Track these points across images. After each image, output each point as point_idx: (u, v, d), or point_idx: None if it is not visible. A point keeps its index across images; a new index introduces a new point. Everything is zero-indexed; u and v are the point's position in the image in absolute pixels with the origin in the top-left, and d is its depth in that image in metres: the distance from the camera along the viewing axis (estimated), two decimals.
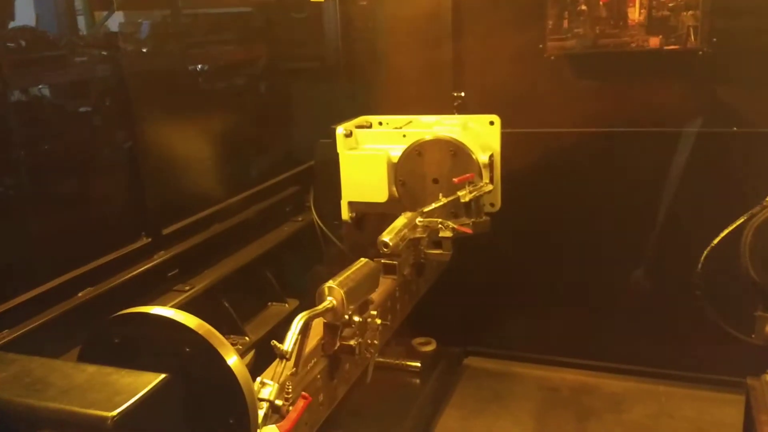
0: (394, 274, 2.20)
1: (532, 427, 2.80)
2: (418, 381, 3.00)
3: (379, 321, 1.86)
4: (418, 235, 2.18)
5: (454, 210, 2.27)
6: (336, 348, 1.69)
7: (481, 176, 2.32)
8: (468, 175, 2.27)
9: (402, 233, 2.09)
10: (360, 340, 1.73)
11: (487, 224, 2.29)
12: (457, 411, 2.93)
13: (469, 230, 2.19)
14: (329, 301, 1.57)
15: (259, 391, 1.30)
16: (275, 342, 1.41)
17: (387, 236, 2.03)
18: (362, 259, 1.82)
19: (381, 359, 3.05)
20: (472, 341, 3.25)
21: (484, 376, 3.15)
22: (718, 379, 2.83)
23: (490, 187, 2.32)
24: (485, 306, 3.13)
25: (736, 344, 2.59)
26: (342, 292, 1.59)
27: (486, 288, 3.08)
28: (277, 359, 1.40)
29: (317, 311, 1.53)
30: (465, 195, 2.24)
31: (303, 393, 1.47)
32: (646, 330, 2.91)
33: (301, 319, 1.46)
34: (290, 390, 1.39)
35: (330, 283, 1.61)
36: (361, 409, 2.77)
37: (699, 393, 2.89)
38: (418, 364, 3.03)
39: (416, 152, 2.35)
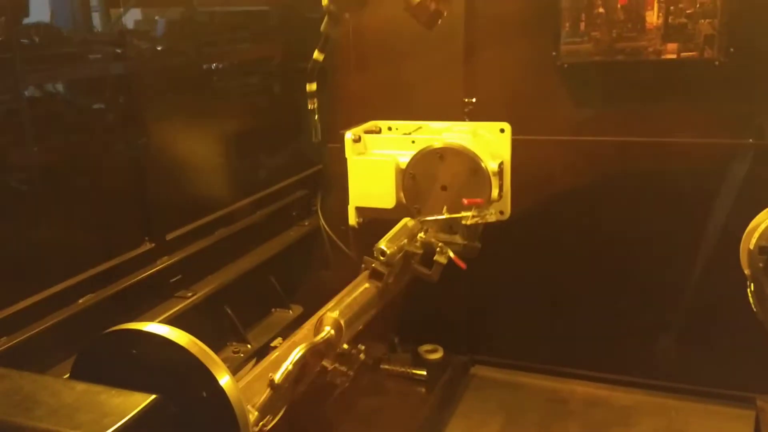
0: (379, 282, 2.11)
1: None
2: (423, 390, 2.97)
3: (363, 356, 1.75)
4: (414, 250, 2.11)
5: (453, 226, 2.22)
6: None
7: (490, 187, 2.29)
8: (479, 200, 2.21)
9: (401, 243, 2.05)
10: (336, 366, 1.66)
11: (476, 251, 2.23)
12: (462, 421, 2.90)
13: (463, 265, 2.12)
14: (327, 332, 1.54)
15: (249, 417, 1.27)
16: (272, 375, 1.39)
17: (384, 244, 1.98)
18: (365, 275, 1.77)
19: (387, 366, 3.03)
20: (480, 350, 3.21)
21: (491, 385, 3.11)
22: (729, 394, 2.78)
23: (494, 218, 2.27)
24: (493, 315, 3.09)
25: (747, 359, 2.55)
26: (342, 323, 1.56)
27: (494, 296, 3.04)
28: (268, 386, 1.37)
29: (316, 343, 1.50)
30: (468, 218, 2.18)
31: None
32: (658, 343, 2.86)
33: (299, 351, 1.43)
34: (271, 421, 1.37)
35: (330, 313, 1.58)
36: (367, 417, 2.75)
37: (709, 408, 2.84)
38: (424, 373, 3.00)
39: (437, 155, 2.32)
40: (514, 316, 3.05)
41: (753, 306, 1.92)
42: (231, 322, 2.28)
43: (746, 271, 2.05)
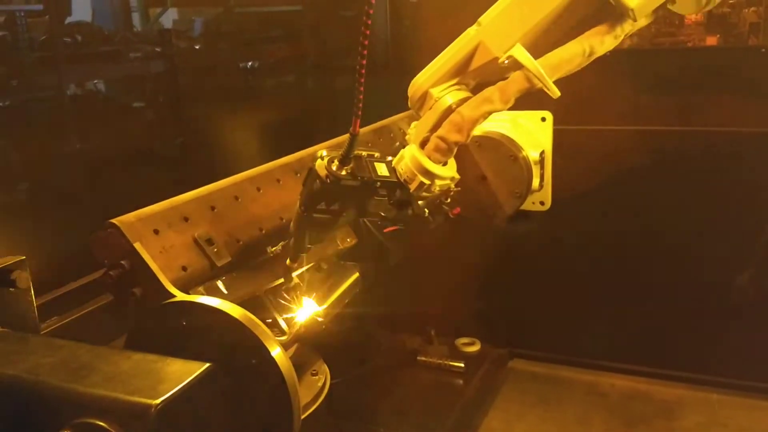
0: None
1: None
2: (461, 382, 2.96)
3: None
4: None
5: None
6: None
7: (531, 176, 2.27)
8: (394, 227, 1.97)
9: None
10: None
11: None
12: (500, 414, 2.88)
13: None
14: None
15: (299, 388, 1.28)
16: None
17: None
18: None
19: (424, 359, 3.03)
20: (518, 343, 3.19)
21: (529, 379, 3.09)
22: None
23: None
24: (532, 307, 3.07)
25: None
26: None
27: (533, 289, 3.02)
28: None
29: None
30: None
31: None
32: (701, 336, 2.81)
33: None
34: None
35: None
36: (404, 408, 2.75)
37: (754, 402, 2.78)
38: (462, 365, 2.99)
39: (476, 144, 2.30)
40: (553, 309, 3.02)
41: None
42: (269, 309, 2.29)
43: None
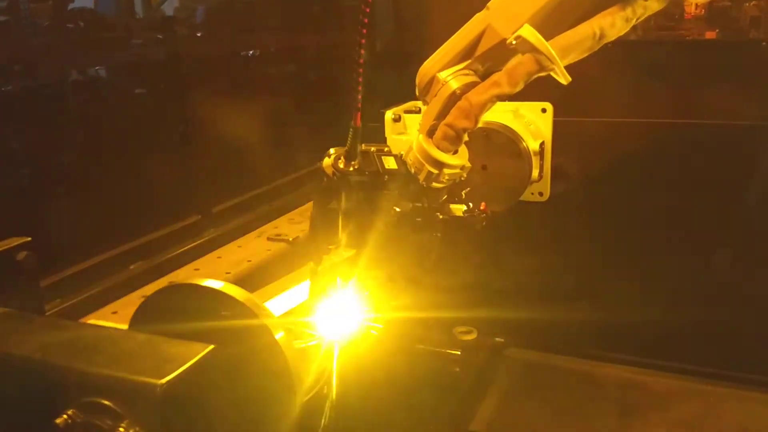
0: None
1: (573, 421, 2.76)
2: (457, 369, 2.98)
3: None
4: None
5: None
6: None
7: (531, 166, 2.28)
8: (486, 210, 2.07)
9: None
10: None
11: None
12: (496, 401, 2.90)
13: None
14: None
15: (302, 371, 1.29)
16: None
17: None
18: None
19: (421, 346, 3.05)
20: (515, 332, 3.21)
21: (525, 367, 3.11)
22: None
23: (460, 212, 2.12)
24: (529, 296, 3.09)
25: None
26: None
27: (530, 278, 3.04)
28: None
29: None
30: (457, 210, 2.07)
31: None
32: (697, 327, 2.83)
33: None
34: None
35: None
36: (399, 395, 2.77)
37: (750, 394, 2.80)
38: (458, 352, 3.01)
39: (484, 133, 2.30)
40: (550, 299, 3.04)
41: None
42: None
43: None
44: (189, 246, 2.04)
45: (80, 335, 1.13)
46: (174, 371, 0.99)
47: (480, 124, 2.28)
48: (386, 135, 2.47)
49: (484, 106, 1.28)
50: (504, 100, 1.34)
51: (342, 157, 1.32)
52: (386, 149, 1.41)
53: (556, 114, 2.42)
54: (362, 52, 1.18)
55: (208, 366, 1.05)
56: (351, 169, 1.32)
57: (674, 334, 2.87)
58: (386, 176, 1.36)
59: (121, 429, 0.96)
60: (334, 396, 1.50)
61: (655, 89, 2.77)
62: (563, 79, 1.28)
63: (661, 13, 2.71)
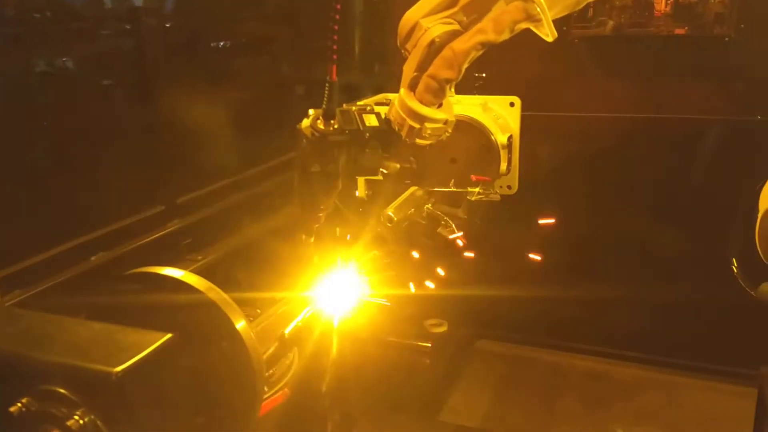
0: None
1: (540, 411, 2.80)
2: (428, 361, 2.99)
3: None
4: (420, 220, 2.11)
5: (457, 200, 2.22)
6: None
7: (499, 160, 2.29)
8: (486, 178, 2.21)
9: (407, 211, 2.05)
10: None
11: (475, 226, 2.21)
12: (465, 393, 2.94)
13: (464, 242, 2.10)
14: None
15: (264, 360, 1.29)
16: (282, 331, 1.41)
17: (392, 210, 1.99)
18: None
19: (392, 339, 3.06)
20: (484, 324, 3.24)
21: (494, 359, 3.15)
22: (731, 371, 2.81)
23: (497, 197, 2.25)
24: (498, 289, 3.12)
25: (750, 336, 2.57)
26: None
27: (499, 271, 3.06)
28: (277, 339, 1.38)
29: None
30: (474, 194, 2.18)
31: (285, 389, 1.43)
32: (660, 319, 2.89)
33: (309, 310, 1.45)
34: (274, 375, 1.37)
35: None
36: (370, 387, 2.78)
37: (711, 384, 2.87)
38: (429, 345, 3.02)
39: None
40: (517, 292, 3.07)
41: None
42: (240, 287, 2.30)
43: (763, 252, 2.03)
44: (152, 237, 2.03)
45: (36, 324, 1.12)
46: (130, 359, 0.99)
47: (461, 117, 2.33)
48: None
49: (467, 55, 1.20)
50: (487, 49, 1.25)
51: (320, 117, 1.24)
52: (368, 108, 1.33)
53: (524, 108, 2.44)
54: (338, 7, 1.11)
55: (166, 355, 1.04)
56: (330, 128, 1.24)
57: (637, 325, 2.92)
58: (367, 134, 1.27)
59: (76, 417, 0.96)
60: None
61: (622, 85, 2.81)
62: (549, 33, 1.20)
63: (632, 10, 2.76)
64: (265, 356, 1.36)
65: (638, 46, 2.77)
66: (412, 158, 1.47)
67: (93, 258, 1.84)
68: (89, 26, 2.35)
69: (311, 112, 1.27)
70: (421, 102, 1.24)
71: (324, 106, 1.24)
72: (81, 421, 0.95)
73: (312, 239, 1.45)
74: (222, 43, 2.72)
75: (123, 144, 2.12)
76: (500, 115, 2.45)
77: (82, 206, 1.93)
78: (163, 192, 2.17)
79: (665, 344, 2.92)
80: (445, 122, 1.32)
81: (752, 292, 1.90)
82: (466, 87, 2.78)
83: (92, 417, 0.96)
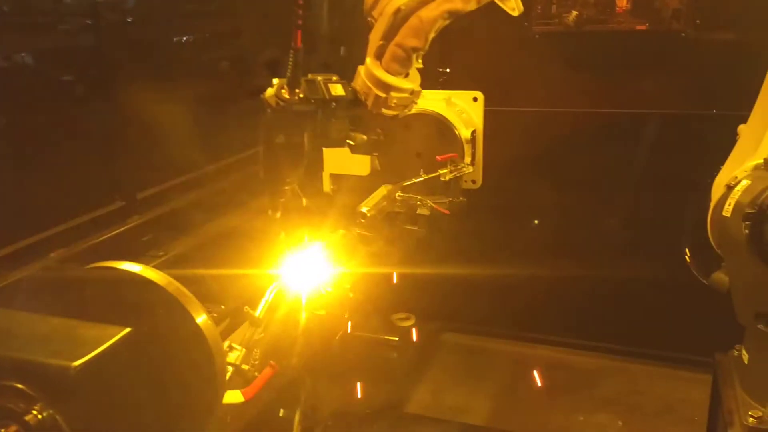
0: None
1: (506, 401, 2.84)
2: (395, 355, 3.01)
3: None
4: (396, 210, 2.15)
5: (432, 188, 2.26)
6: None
7: (463, 153, 2.32)
8: (451, 154, 2.25)
9: (380, 205, 2.08)
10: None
11: (464, 206, 2.27)
12: (432, 385, 2.97)
13: (446, 210, 2.16)
14: None
15: (225, 355, 1.29)
16: (248, 308, 1.41)
17: (365, 207, 2.02)
18: None
19: (359, 333, 3.08)
20: (450, 317, 3.27)
21: (460, 351, 3.19)
22: (689, 358, 2.88)
23: (470, 168, 2.30)
24: (463, 282, 3.15)
25: (708, 324, 2.63)
26: None
27: (464, 264, 3.10)
28: (247, 323, 1.39)
29: None
30: (446, 174, 2.21)
31: (271, 362, 1.45)
32: (620, 308, 2.95)
33: (275, 286, 1.45)
34: (257, 356, 1.37)
35: None
36: (338, 380, 2.79)
37: (670, 372, 2.94)
38: (396, 338, 3.04)
39: (402, 124, 2.33)
40: (483, 285, 3.10)
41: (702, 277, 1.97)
42: (203, 283, 2.29)
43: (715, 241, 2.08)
44: (113, 233, 2.01)
45: None
46: (88, 354, 0.98)
47: (415, 110, 2.35)
48: None
49: (434, 23, 1.19)
50: (454, 18, 1.25)
51: (285, 86, 1.21)
52: (334, 78, 1.30)
53: (487, 104, 2.47)
54: None
55: (125, 349, 1.04)
56: (295, 98, 1.21)
57: (598, 314, 2.98)
58: (333, 103, 1.26)
59: (34, 411, 0.95)
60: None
61: (584, 80, 2.85)
62: (515, 7, 1.19)
63: (593, 7, 2.80)
64: (241, 340, 1.36)
65: (599, 42, 2.81)
66: (379, 130, 1.46)
67: (52, 255, 1.82)
68: (48, 21, 2.32)
69: (276, 81, 1.24)
70: (388, 71, 1.23)
71: (288, 74, 1.20)
72: (39, 416, 0.94)
73: (278, 214, 1.42)
74: (185, 38, 2.70)
75: (83, 139, 2.10)
76: (464, 110, 2.48)
77: (41, 203, 1.91)
78: (123, 187, 2.15)
79: (625, 333, 2.98)
80: (412, 92, 1.31)
81: (705, 281, 1.94)
82: (430, 83, 2.81)
83: (51, 412, 0.96)
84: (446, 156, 2.22)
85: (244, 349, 1.33)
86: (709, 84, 2.67)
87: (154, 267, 1.71)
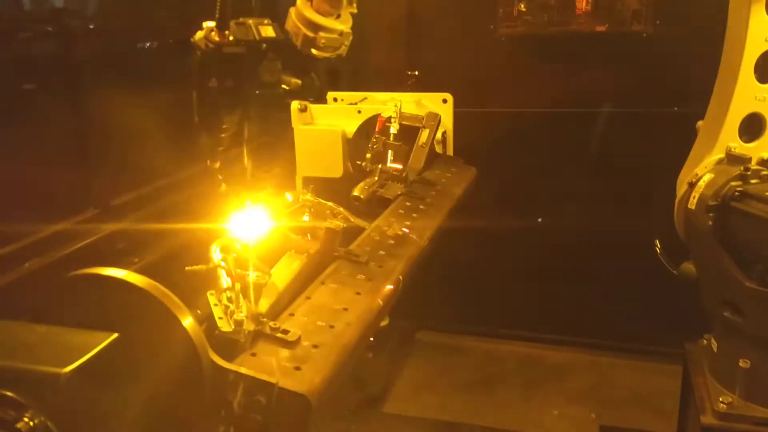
0: None
1: (481, 397, 2.88)
2: (370, 355, 3.03)
3: None
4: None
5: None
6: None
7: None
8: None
9: (371, 189, 2.08)
10: None
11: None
12: (408, 383, 2.99)
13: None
14: None
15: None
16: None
17: (357, 191, 2.03)
18: None
19: None
20: (424, 316, 3.30)
21: (434, 349, 3.22)
22: (659, 351, 2.95)
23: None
24: (436, 281, 3.18)
25: (677, 317, 2.70)
26: None
27: (436, 264, 3.12)
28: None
29: None
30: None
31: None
32: (590, 303, 3.00)
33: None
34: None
35: None
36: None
37: (640, 364, 3.01)
38: (371, 338, 3.05)
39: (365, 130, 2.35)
40: (455, 284, 3.15)
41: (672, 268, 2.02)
42: (179, 289, 2.28)
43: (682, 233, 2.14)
44: (88, 241, 1.99)
45: None
46: (77, 360, 0.99)
47: (375, 114, 2.36)
48: (293, 125, 2.47)
49: None
50: None
51: (215, 29, 1.21)
52: (266, 21, 1.29)
53: (456, 105, 2.51)
54: None
55: (114, 355, 1.05)
56: (225, 40, 1.21)
57: (569, 309, 3.03)
58: (264, 45, 1.26)
59: (25, 419, 0.95)
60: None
61: (547, 80, 2.92)
62: None
63: (554, 9, 2.86)
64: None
65: (561, 44, 2.88)
66: (313, 74, 1.45)
67: (26, 265, 1.80)
68: (13, 27, 2.29)
69: (205, 24, 1.23)
70: (318, 12, 1.26)
71: (217, 16, 1.20)
72: (31, 423, 0.95)
73: (217, 164, 1.39)
74: (154, 44, 2.68)
75: (55, 147, 2.08)
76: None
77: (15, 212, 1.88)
78: (97, 195, 2.14)
79: (595, 327, 3.05)
80: (341, 33, 1.33)
81: (674, 271, 2.00)
82: (400, 85, 2.84)
83: (42, 419, 0.96)
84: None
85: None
86: (671, 82, 2.74)
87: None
